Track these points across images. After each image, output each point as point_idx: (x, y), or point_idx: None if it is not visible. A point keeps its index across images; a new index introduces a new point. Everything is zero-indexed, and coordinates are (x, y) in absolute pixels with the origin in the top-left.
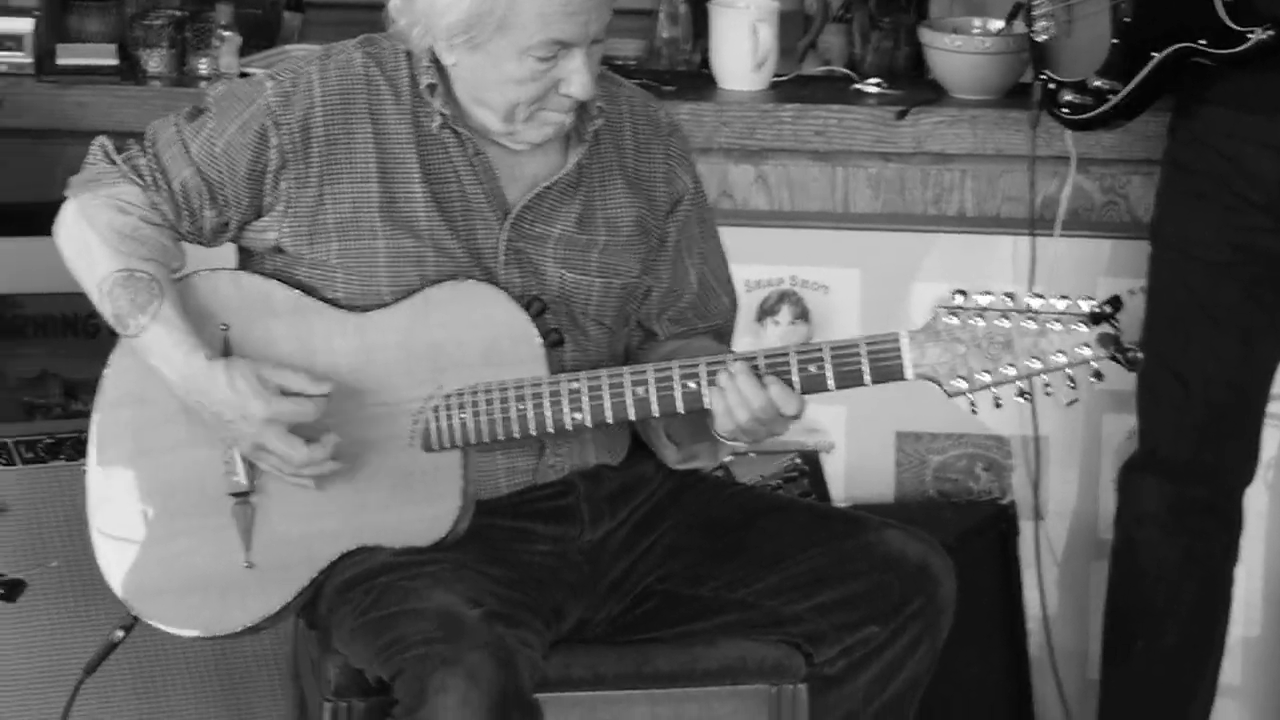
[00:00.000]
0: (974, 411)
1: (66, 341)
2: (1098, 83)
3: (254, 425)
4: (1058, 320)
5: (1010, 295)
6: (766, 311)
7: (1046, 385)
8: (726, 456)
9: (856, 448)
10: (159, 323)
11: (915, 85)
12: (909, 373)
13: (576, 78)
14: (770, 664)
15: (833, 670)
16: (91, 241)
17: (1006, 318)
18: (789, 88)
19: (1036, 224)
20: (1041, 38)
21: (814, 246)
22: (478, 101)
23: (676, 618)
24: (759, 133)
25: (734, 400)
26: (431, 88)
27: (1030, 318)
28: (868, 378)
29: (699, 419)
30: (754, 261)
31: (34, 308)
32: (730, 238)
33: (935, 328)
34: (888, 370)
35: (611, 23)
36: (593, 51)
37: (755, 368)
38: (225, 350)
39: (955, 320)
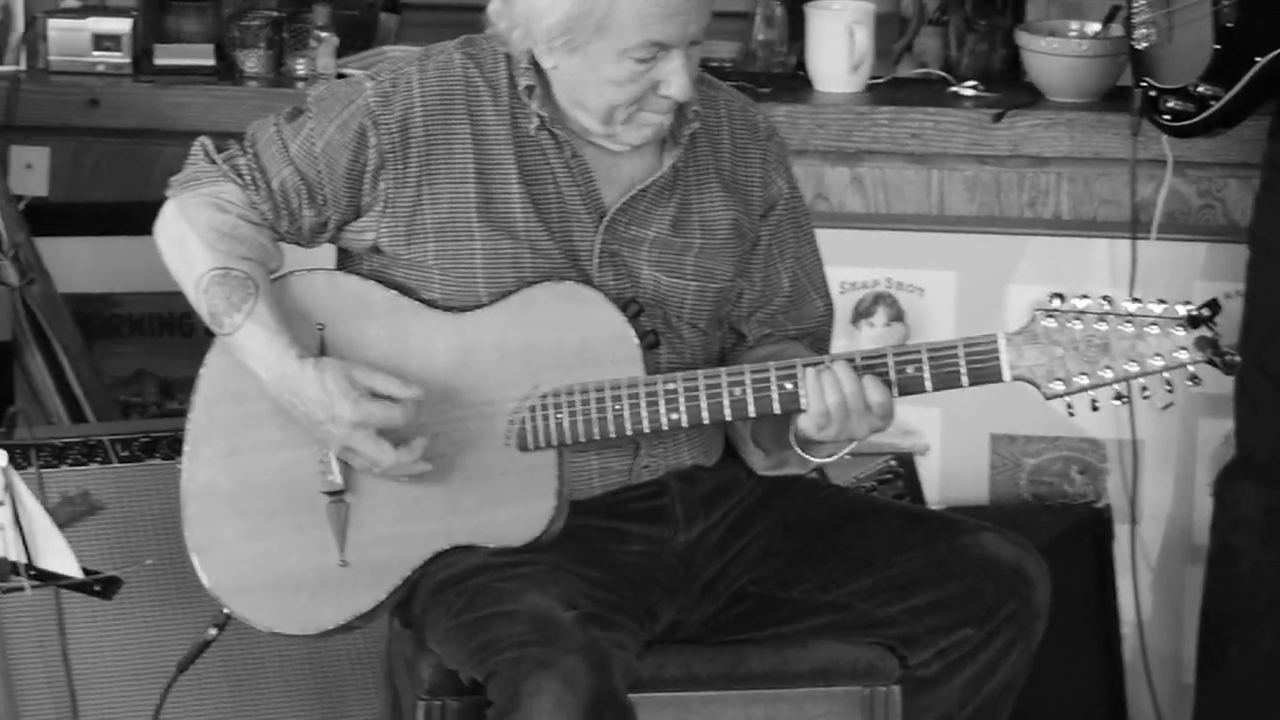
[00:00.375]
0: (1071, 414)
1: (162, 340)
2: (1200, 89)
3: (342, 427)
4: (1155, 324)
5: (1107, 299)
6: (861, 314)
7: (1143, 388)
8: (816, 462)
9: (951, 450)
10: (253, 321)
11: (1011, 88)
12: (1006, 375)
13: (675, 79)
14: (864, 666)
15: (927, 672)
16: (190, 239)
17: (1104, 321)
18: (885, 90)
19: (1132, 227)
20: (1142, 45)
21: (909, 249)
22: (576, 104)
23: (769, 619)
24: (855, 135)
25: (828, 381)
26: (530, 89)
27: (1127, 321)
28: (965, 380)
29: (788, 426)
30: (849, 264)
31: (130, 307)
32: (825, 240)
33: (1033, 330)
34: (985, 372)
35: (708, 24)
36: (691, 53)
37: (854, 365)
38: (321, 350)
39: (1053, 323)
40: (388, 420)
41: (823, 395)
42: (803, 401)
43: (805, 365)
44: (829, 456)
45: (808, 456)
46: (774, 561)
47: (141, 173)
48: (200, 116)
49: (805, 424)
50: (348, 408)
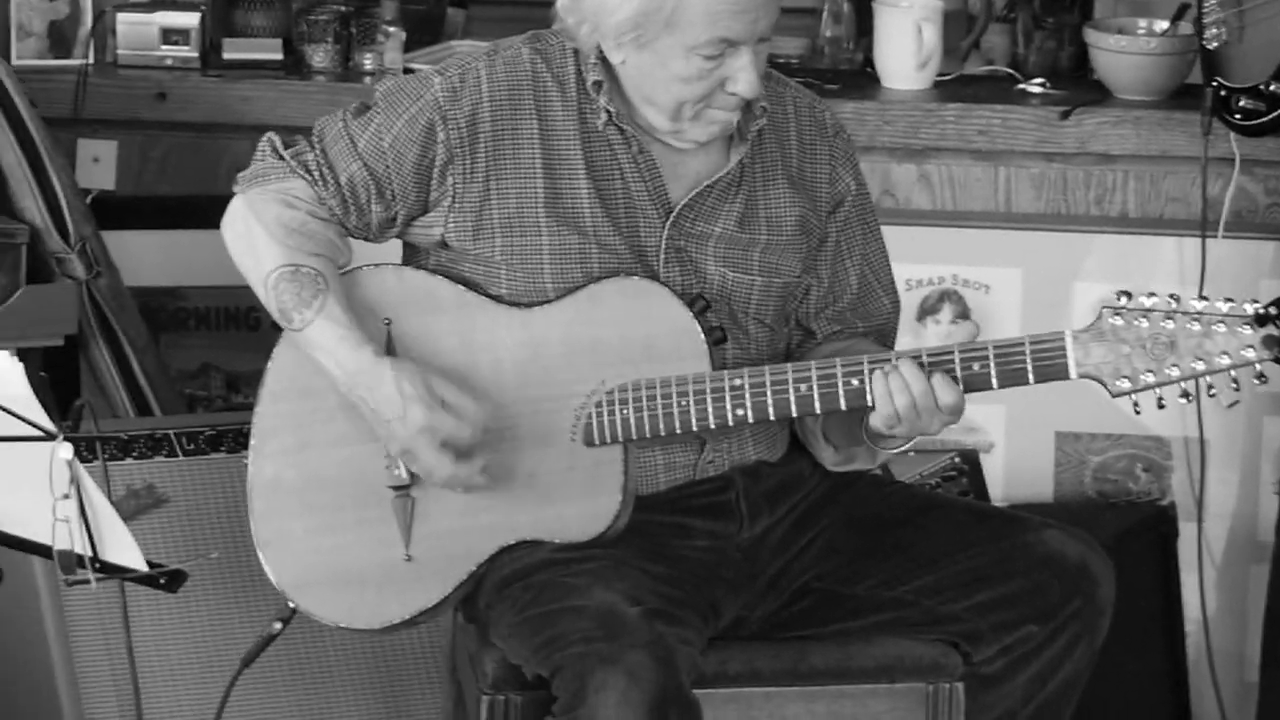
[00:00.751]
0: (1137, 412)
1: (228, 334)
2: (1272, 87)
3: (409, 430)
4: (1222, 322)
5: (1174, 297)
6: (927, 310)
7: (1209, 386)
8: (887, 456)
9: (1016, 447)
10: (324, 318)
11: (1079, 85)
12: (1073, 372)
13: (743, 76)
14: (927, 662)
15: (990, 669)
16: (258, 236)
17: (1171, 319)
18: (952, 87)
19: (1200, 225)
20: (1212, 45)
21: (976, 246)
22: (644, 100)
23: (833, 615)
24: (922, 132)
25: (895, 384)
26: (598, 85)
27: (1194, 319)
28: (1031, 377)
29: (857, 421)
30: (915, 260)
31: (196, 300)
32: (892, 237)
33: (1100, 328)
34: (1052, 369)
35: (776, 21)
36: (759, 50)
37: (920, 362)
38: (388, 345)
39: (1120, 320)
40: (455, 435)
41: (890, 399)
42: (869, 399)
43: (871, 365)
44: (898, 449)
45: (879, 449)
46: (838, 558)
47: (208, 167)
48: (267, 111)
49: (875, 422)
50: (420, 412)
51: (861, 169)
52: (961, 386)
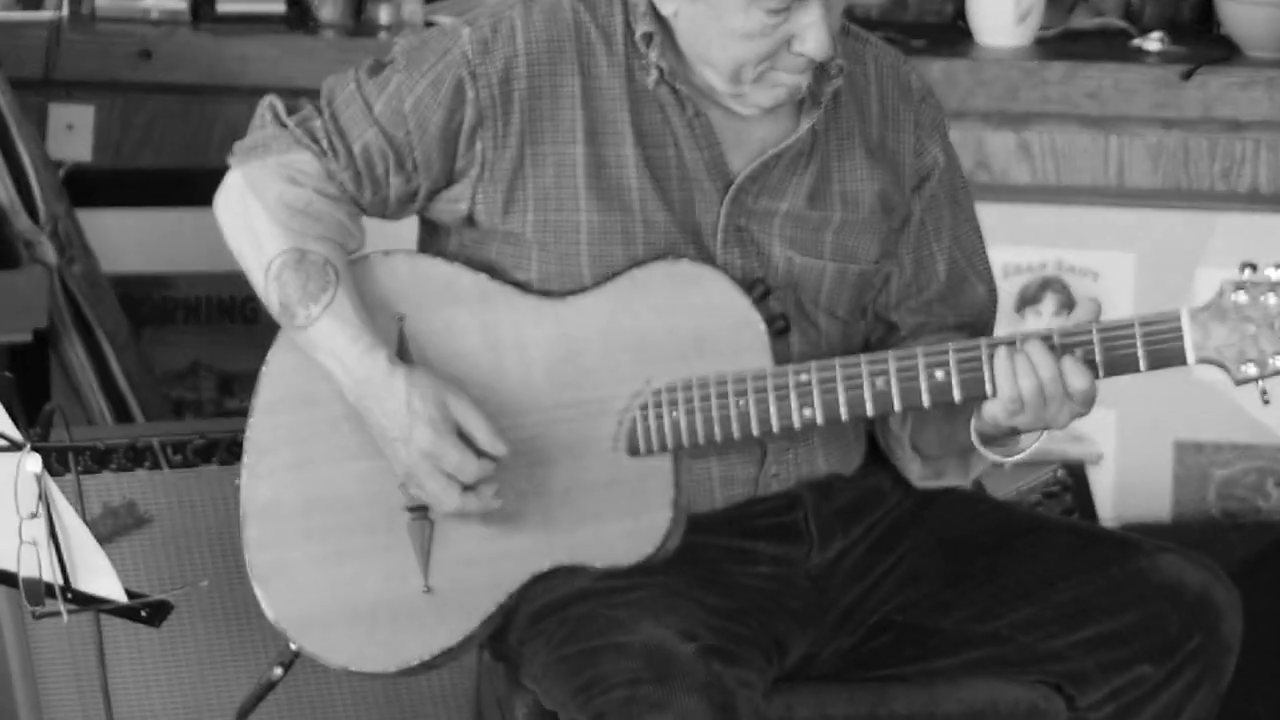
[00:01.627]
0: (1266, 402)
1: (222, 328)
2: None
3: (413, 454)
4: None
5: None
6: (1027, 301)
7: None
8: (980, 470)
9: (1128, 459)
10: (332, 315)
11: (1202, 41)
12: (1191, 357)
13: (812, 34)
14: (1025, 707)
15: (1098, 715)
16: (257, 216)
17: None
18: (1056, 44)
19: None
20: None
21: (1083, 226)
22: (700, 58)
23: (917, 653)
24: (1022, 95)
25: (1022, 365)
26: (648, 37)
27: None
28: (1143, 363)
29: (953, 425)
30: (1013, 243)
31: (186, 289)
32: (986, 216)
33: (1221, 305)
34: (1166, 354)
35: None
36: (832, 3)
37: (1051, 344)
38: (400, 346)
39: (1244, 297)
40: (460, 469)
41: (1014, 380)
42: (955, 394)
43: (957, 354)
44: (1007, 458)
45: (982, 456)
46: (923, 586)
47: (200, 135)
48: (268, 71)
49: (994, 410)
50: (426, 435)
51: (952, 139)
52: (1102, 371)
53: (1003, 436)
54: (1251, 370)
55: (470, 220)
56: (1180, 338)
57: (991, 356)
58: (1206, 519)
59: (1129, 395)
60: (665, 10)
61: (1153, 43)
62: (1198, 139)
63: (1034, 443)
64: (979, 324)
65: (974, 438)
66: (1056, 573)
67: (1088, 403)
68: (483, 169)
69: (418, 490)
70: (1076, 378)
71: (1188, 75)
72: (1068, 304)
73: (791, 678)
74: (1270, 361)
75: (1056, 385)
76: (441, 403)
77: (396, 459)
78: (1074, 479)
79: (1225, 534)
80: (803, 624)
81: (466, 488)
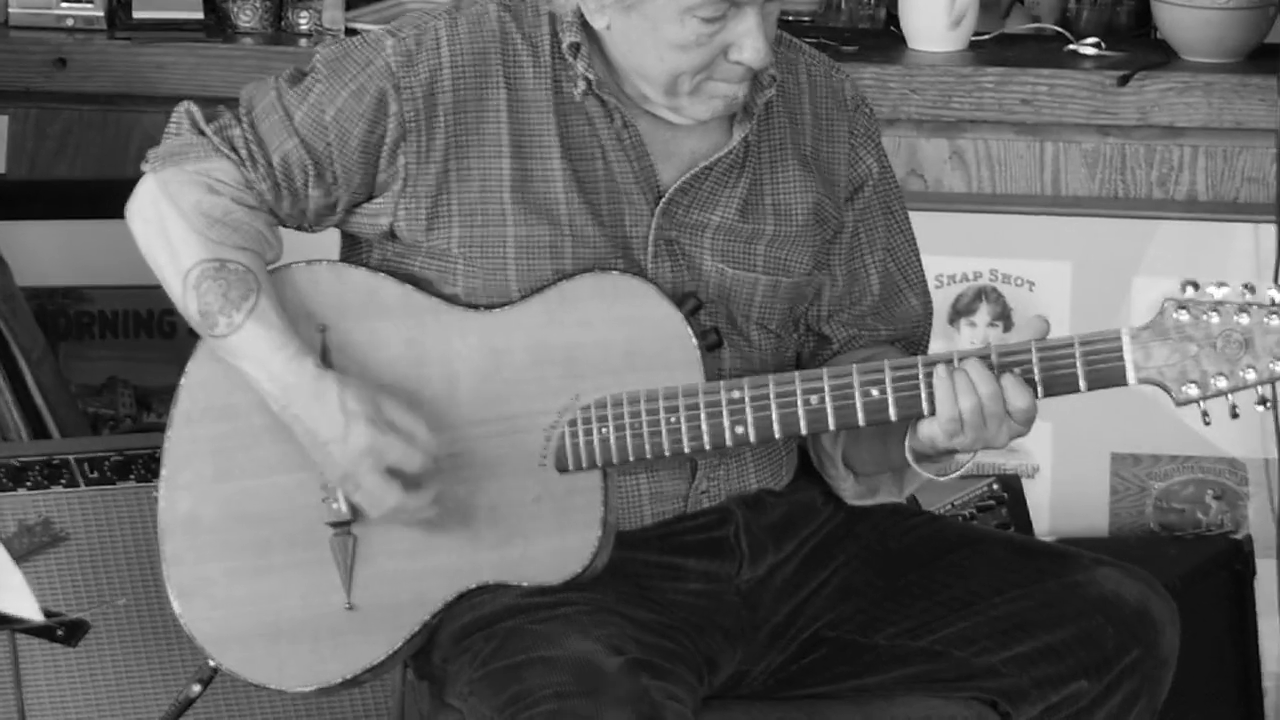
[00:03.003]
0: (1207, 423)
1: (140, 342)
2: None
3: (351, 453)
4: None
5: (1249, 287)
6: (961, 312)
7: None
8: (914, 487)
9: (1064, 472)
10: (256, 320)
11: (1139, 46)
12: (1131, 377)
13: (749, 42)
14: None
15: None
16: (174, 226)
17: (1245, 312)
18: (991, 49)
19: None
20: None
21: (1018, 235)
22: (635, 70)
23: (850, 670)
24: (955, 101)
25: (961, 384)
26: (575, 47)
27: (1274, 312)
28: (1082, 383)
29: (885, 445)
30: (947, 253)
31: (102, 303)
32: (919, 224)
33: (1162, 324)
34: (1106, 374)
35: None
36: (768, 10)
37: (989, 362)
38: (323, 355)
39: (1186, 315)
40: (403, 461)
41: (955, 401)
42: (891, 413)
43: (893, 371)
44: (947, 474)
45: (914, 474)
46: (855, 601)
47: (116, 145)
48: (185, 79)
49: (932, 431)
50: (365, 431)
51: (885, 147)
52: (1041, 391)
53: (938, 454)
54: (1193, 391)
55: (392, 234)
56: (1121, 358)
57: (929, 375)
58: (1144, 532)
59: (1065, 407)
60: (597, 23)
61: (1088, 48)
62: (1135, 146)
63: (969, 460)
64: (913, 337)
65: (908, 455)
66: (991, 586)
67: (1028, 421)
68: (405, 183)
69: (354, 492)
70: (1017, 396)
71: (1124, 81)
72: (1002, 314)
73: (723, 696)
74: (1212, 383)
75: (996, 403)
76: (375, 402)
77: (330, 463)
78: (1009, 492)
79: (1164, 548)
80: (733, 641)
81: (407, 487)
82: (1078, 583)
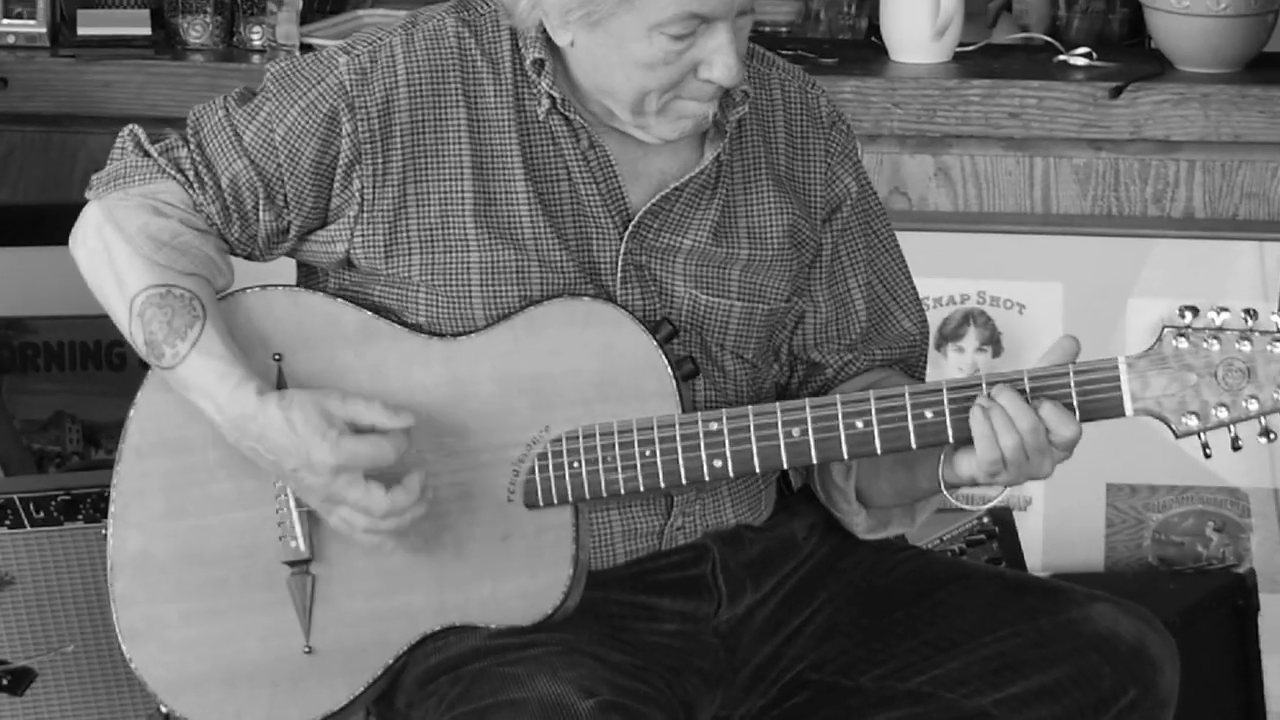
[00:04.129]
0: (1208, 455)
1: (87, 375)
2: None
3: (322, 475)
4: None
5: (1251, 312)
6: (948, 336)
7: None
8: (926, 516)
9: (1058, 504)
10: (201, 351)
11: (1133, 57)
12: (1129, 409)
13: (719, 59)
14: None
15: None
16: (119, 251)
17: (1247, 339)
18: (977, 60)
19: None
20: None
21: (1007, 255)
22: (600, 88)
23: (834, 713)
24: (940, 116)
25: (1000, 423)
26: (539, 64)
27: (1277, 340)
28: (1076, 414)
29: (912, 474)
30: (933, 274)
31: (48, 334)
32: (903, 245)
33: (1161, 353)
34: (1103, 406)
35: None
36: (739, 26)
37: (1024, 391)
38: (279, 385)
39: (1185, 343)
40: (375, 458)
41: (995, 441)
42: (876, 446)
43: (879, 402)
44: (987, 503)
45: (955, 501)
46: (839, 641)
47: (61, 168)
48: (133, 98)
49: (971, 471)
50: (326, 450)
51: (866, 166)
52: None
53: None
54: (1193, 423)
55: (349, 262)
56: (1118, 388)
57: (987, 410)
58: (1142, 566)
59: None
60: (560, 40)
61: (1079, 59)
62: (1128, 160)
63: (1001, 492)
64: (909, 359)
65: (942, 486)
66: (981, 624)
67: (1071, 448)
68: (361, 208)
69: (335, 514)
70: (1062, 425)
71: (1116, 93)
72: (992, 339)
73: None
74: (1213, 413)
75: (1039, 436)
76: (323, 410)
77: (306, 488)
78: (1000, 526)
79: (1162, 582)
80: (712, 684)
81: (390, 486)
82: (1071, 620)
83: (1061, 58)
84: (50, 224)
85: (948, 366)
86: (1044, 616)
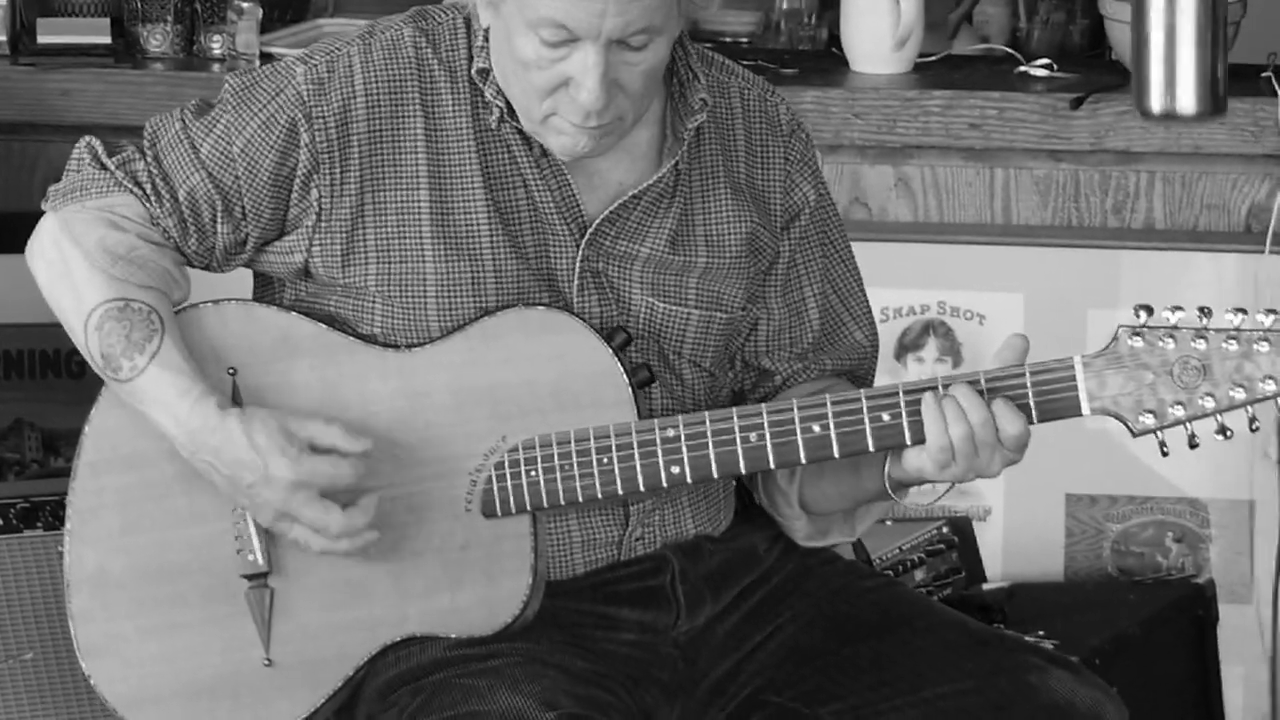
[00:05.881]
0: (1165, 454)
1: (46, 383)
2: None
3: (278, 491)
4: (1265, 339)
5: (1205, 310)
6: (907, 346)
7: (1253, 420)
8: (866, 526)
9: (1017, 514)
10: (159, 365)
11: (1093, 68)
12: (1086, 408)
13: (585, 80)
14: None
15: None
16: (76, 264)
17: (1202, 338)
18: (937, 71)
19: (1243, 239)
20: None
21: (967, 266)
22: (505, 85)
23: None
24: (900, 126)
25: (951, 411)
26: (484, 73)
27: (1231, 337)
28: (1034, 415)
29: (861, 474)
30: (892, 285)
31: (6, 342)
32: (863, 255)
33: (1117, 352)
34: (1060, 406)
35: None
36: (625, 60)
37: (979, 387)
38: (234, 399)
39: (1140, 342)
40: (333, 479)
41: (946, 431)
42: (834, 450)
43: (834, 406)
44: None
45: (900, 500)
46: (800, 667)
47: (20, 177)
48: (92, 107)
49: (920, 462)
50: (285, 465)
51: (825, 175)
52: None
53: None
54: (1150, 421)
55: (306, 272)
56: (1074, 388)
57: (940, 399)
58: (1102, 577)
59: None
60: (481, 21)
61: (1040, 70)
62: (1089, 172)
63: (947, 487)
64: (859, 371)
65: (887, 485)
66: (943, 674)
67: (1021, 448)
68: (319, 218)
69: (292, 530)
70: (1009, 422)
71: (1077, 104)
72: (951, 349)
73: None
74: (1170, 411)
75: (988, 431)
76: (284, 429)
77: (260, 505)
78: (960, 536)
79: (1122, 593)
80: (671, 696)
81: (346, 506)
82: (1030, 685)
83: (1022, 69)
84: (9, 232)
85: (907, 377)
86: (1003, 676)
